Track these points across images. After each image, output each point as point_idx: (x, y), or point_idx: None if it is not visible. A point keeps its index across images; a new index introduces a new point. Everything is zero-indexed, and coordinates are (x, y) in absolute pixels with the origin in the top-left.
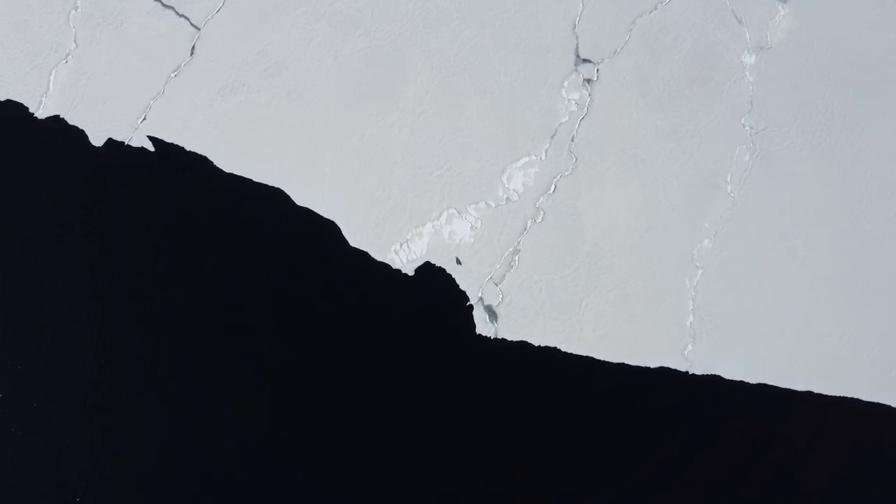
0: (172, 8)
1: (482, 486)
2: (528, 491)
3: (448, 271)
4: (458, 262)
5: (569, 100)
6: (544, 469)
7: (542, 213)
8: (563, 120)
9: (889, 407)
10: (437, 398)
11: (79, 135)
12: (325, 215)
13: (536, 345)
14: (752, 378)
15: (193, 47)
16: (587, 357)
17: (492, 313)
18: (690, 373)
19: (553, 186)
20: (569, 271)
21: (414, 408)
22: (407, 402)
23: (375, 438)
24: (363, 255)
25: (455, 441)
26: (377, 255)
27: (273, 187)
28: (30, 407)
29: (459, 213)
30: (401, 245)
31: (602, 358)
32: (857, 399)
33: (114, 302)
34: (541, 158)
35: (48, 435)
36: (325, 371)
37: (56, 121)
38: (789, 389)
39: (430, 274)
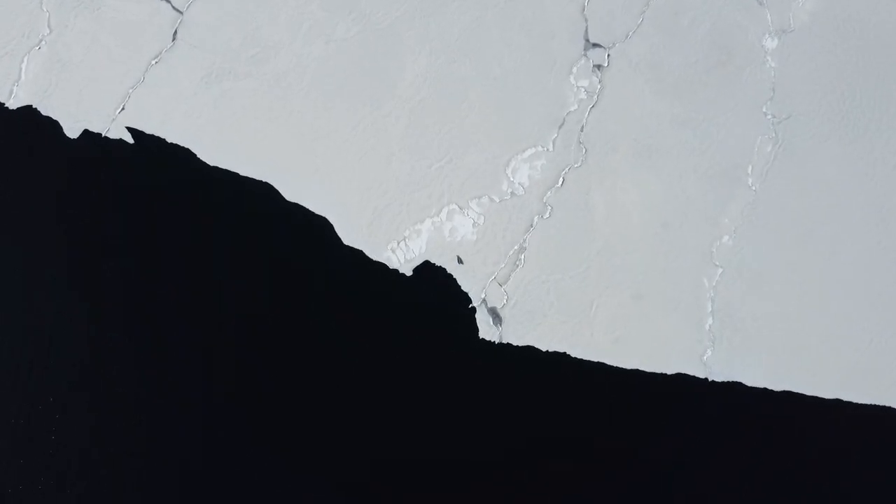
0: None
1: (486, 493)
2: (535, 500)
3: (449, 271)
4: (460, 261)
5: (578, 87)
6: (552, 480)
7: (549, 208)
8: (572, 108)
9: None
10: (437, 405)
11: (53, 126)
12: (317, 211)
13: (544, 350)
14: (777, 385)
15: (175, 32)
16: (598, 363)
17: (496, 316)
18: (710, 380)
19: (561, 180)
20: (578, 271)
21: (413, 415)
22: (406, 409)
23: (375, 445)
24: (358, 254)
25: (458, 451)
26: (373, 254)
27: (261, 182)
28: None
29: (461, 208)
30: (398, 243)
31: (614, 363)
32: (891, 408)
33: (87, 302)
34: (548, 150)
35: (42, 431)
36: (320, 375)
37: (28, 111)
38: (817, 397)
39: (430, 274)
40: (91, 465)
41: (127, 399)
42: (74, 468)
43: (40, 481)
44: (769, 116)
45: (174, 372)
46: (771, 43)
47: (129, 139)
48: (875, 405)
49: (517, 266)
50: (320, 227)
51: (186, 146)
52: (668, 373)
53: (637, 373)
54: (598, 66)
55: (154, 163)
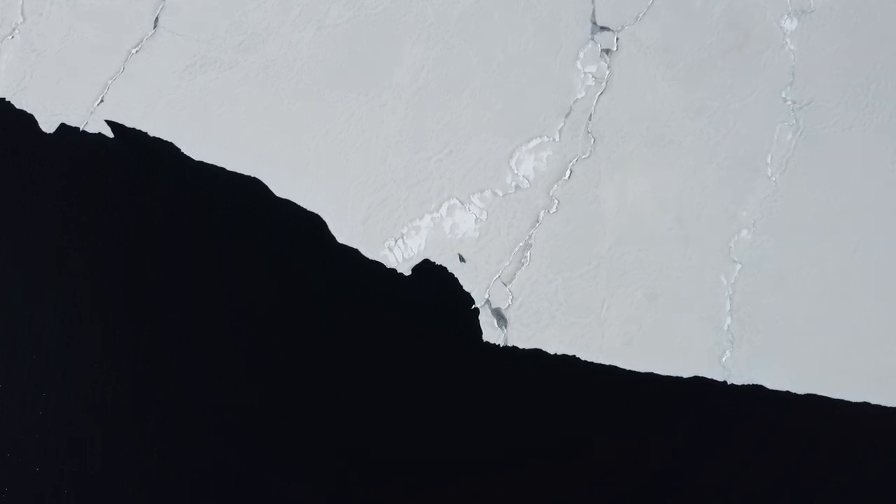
0: None
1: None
2: None
3: (450, 270)
4: (462, 259)
5: (585, 73)
6: (564, 493)
7: (556, 202)
8: (579, 96)
9: None
10: (438, 413)
11: (27, 120)
12: (309, 208)
13: (552, 353)
14: (800, 388)
15: (157, 19)
16: (610, 366)
17: (500, 317)
18: (729, 383)
19: (569, 172)
20: (588, 269)
21: (413, 424)
22: (405, 417)
23: (375, 455)
24: (352, 253)
25: (461, 462)
26: (368, 253)
27: (249, 177)
28: None
29: (462, 203)
30: (395, 241)
31: (627, 367)
32: None
33: (60, 301)
34: (554, 140)
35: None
36: (314, 379)
37: (1, 104)
38: (842, 400)
39: (430, 273)
40: (92, 465)
41: (126, 395)
42: (76, 468)
43: (41, 482)
44: (789, 102)
45: (156, 371)
46: (790, 24)
47: (109, 133)
48: None
49: (522, 264)
50: (313, 225)
51: (169, 140)
52: (685, 376)
53: (651, 376)
54: (607, 51)
55: (135, 158)
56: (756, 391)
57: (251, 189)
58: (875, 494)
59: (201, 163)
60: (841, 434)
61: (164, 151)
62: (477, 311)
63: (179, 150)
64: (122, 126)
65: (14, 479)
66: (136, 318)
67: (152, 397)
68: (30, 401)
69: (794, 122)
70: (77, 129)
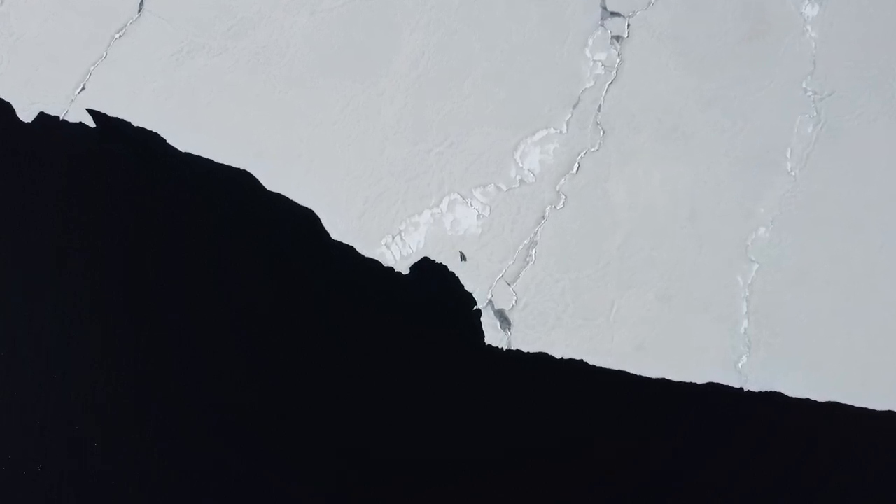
0: None
1: None
2: None
3: (450, 269)
4: (463, 257)
5: (594, 61)
6: (564, 494)
7: (563, 197)
8: (588, 85)
9: None
10: (439, 420)
11: (5, 108)
12: (302, 203)
13: (558, 357)
14: (821, 395)
15: (142, 3)
16: (620, 371)
17: (504, 319)
18: (746, 389)
19: (576, 165)
20: (597, 268)
21: (413, 425)
22: (405, 417)
23: (375, 455)
24: (347, 250)
25: (462, 463)
26: (365, 250)
27: (239, 169)
28: None
29: (463, 198)
30: (393, 237)
31: (638, 372)
32: None
33: (60, 301)
34: (561, 132)
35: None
36: (312, 382)
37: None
38: (864, 409)
39: (429, 272)
40: (92, 465)
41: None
42: (76, 468)
43: (40, 482)
44: (809, 93)
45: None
46: (811, 10)
47: (91, 122)
48: None
49: (527, 263)
50: (306, 220)
51: (155, 130)
52: (699, 382)
53: (663, 382)
54: (617, 38)
55: (118, 149)
56: (774, 398)
57: (240, 182)
58: (875, 495)
59: (188, 154)
60: (864, 443)
61: (149, 142)
62: (479, 312)
63: (165, 140)
64: (104, 115)
65: (14, 479)
66: (136, 318)
67: (152, 397)
68: (30, 401)
69: (814, 113)
70: (57, 117)
